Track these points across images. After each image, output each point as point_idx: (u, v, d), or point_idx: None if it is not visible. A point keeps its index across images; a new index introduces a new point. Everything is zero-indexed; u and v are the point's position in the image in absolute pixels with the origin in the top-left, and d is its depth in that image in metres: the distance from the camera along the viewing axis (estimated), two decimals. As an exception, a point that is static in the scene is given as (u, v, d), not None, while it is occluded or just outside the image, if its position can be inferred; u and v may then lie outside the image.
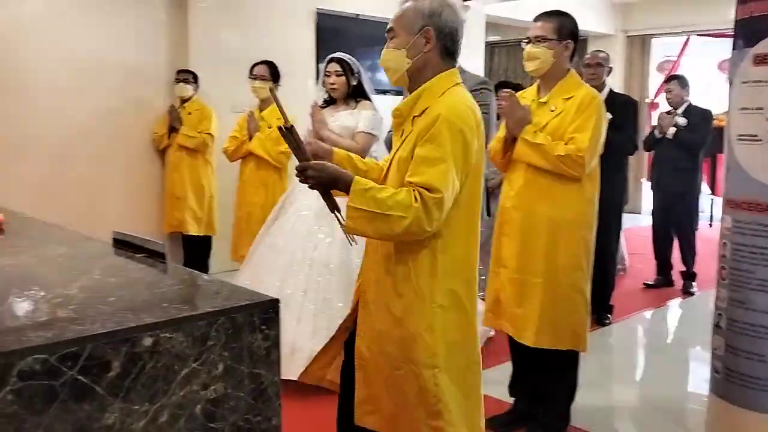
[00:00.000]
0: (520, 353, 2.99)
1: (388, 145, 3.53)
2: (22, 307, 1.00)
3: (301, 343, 3.40)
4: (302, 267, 3.56)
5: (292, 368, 3.37)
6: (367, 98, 3.80)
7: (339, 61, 3.69)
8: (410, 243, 1.90)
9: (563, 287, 2.79)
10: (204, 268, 5.14)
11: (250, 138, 4.35)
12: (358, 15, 6.26)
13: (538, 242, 2.78)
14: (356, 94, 3.77)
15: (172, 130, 5.19)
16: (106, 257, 1.35)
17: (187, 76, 5.17)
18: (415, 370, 1.92)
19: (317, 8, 6.03)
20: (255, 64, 4.46)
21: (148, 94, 5.37)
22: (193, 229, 5.20)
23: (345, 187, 1.83)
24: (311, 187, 1.89)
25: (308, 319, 3.45)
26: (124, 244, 1.38)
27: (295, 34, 5.90)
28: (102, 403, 0.82)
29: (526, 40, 2.81)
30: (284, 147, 4.24)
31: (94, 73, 5.10)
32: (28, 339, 0.82)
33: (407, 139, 1.94)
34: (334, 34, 6.06)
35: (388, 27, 1.99)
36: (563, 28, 2.77)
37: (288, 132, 1.84)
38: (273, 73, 4.43)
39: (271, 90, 2.03)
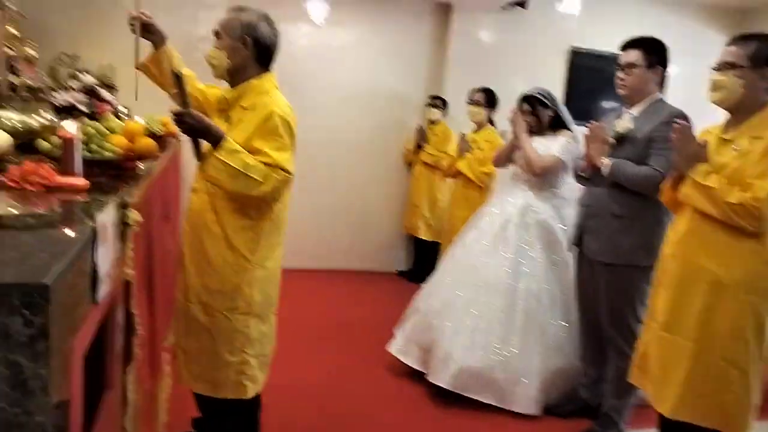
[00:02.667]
0: (665, 422, 2.24)
1: (575, 172, 2.96)
2: None
3: (455, 354, 3.01)
4: (469, 284, 3.16)
5: (442, 375, 3.02)
6: (567, 128, 3.24)
7: (527, 98, 3.22)
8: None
9: (717, 357, 2.00)
10: (430, 271, 4.99)
11: (461, 157, 4.06)
12: (612, 53, 5.48)
13: (694, 299, 2.04)
14: (556, 125, 3.24)
15: (419, 147, 5.12)
16: None
17: (436, 101, 5.04)
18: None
19: (572, 46, 5.44)
20: (474, 91, 4.14)
21: (405, 115, 5.37)
22: (424, 234, 5.07)
23: (214, 140, 1.87)
24: (184, 132, 1.89)
25: (466, 333, 3.04)
26: None
27: (546, 70, 5.37)
28: None
29: (715, 67, 2.08)
30: (487, 168, 3.88)
31: (364, 96, 5.26)
32: None
33: (239, 126, 1.96)
34: (588, 71, 5.42)
35: (215, 30, 2.02)
36: (759, 53, 1.98)
37: (177, 79, 1.83)
38: (489, 100, 4.05)
39: (176, 74, 1.86)
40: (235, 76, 2.03)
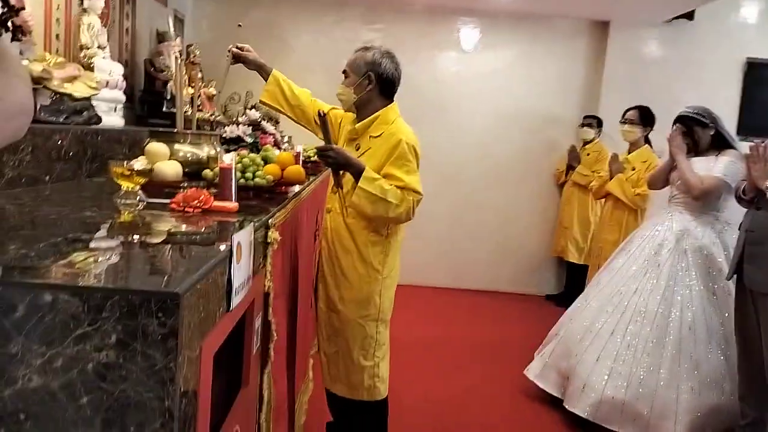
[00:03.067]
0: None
1: (736, 195, 2.71)
2: None
3: (593, 382, 2.89)
4: (615, 310, 3.01)
5: (580, 404, 2.92)
6: (731, 147, 2.98)
7: (680, 119, 3.02)
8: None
9: None
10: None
11: (611, 177, 3.87)
12: (798, 64, 4.91)
13: None
14: (718, 144, 3.00)
15: (570, 167, 4.97)
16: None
17: (591, 121, 4.87)
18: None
19: (748, 58, 4.95)
20: (628, 109, 3.93)
21: (556, 136, 5.25)
22: (573, 257, 4.90)
23: (355, 171, 2.07)
24: (327, 165, 2.13)
25: (607, 361, 2.90)
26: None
27: (717, 85, 4.95)
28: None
29: None
30: (641, 190, 3.67)
31: (514, 117, 5.25)
32: None
33: (368, 153, 2.16)
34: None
35: (344, 69, 2.23)
36: None
37: (321, 118, 2.05)
38: (643, 118, 3.81)
39: (320, 115, 2.09)
40: (361, 108, 2.23)
